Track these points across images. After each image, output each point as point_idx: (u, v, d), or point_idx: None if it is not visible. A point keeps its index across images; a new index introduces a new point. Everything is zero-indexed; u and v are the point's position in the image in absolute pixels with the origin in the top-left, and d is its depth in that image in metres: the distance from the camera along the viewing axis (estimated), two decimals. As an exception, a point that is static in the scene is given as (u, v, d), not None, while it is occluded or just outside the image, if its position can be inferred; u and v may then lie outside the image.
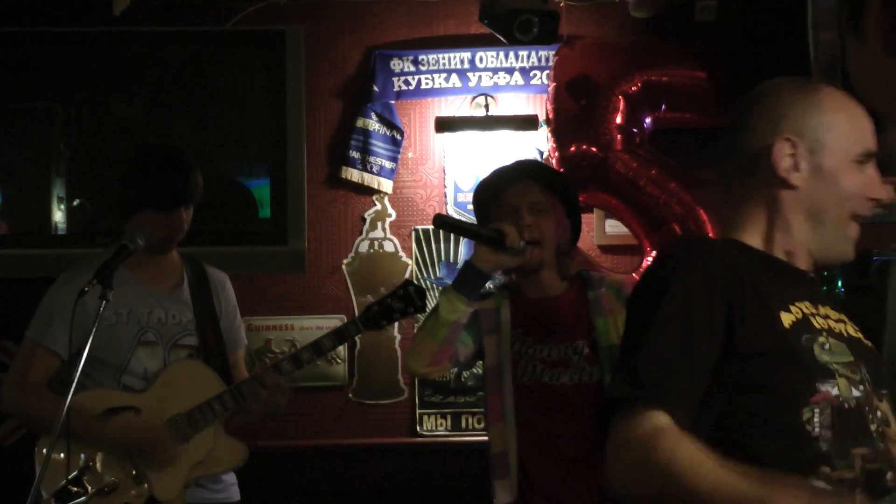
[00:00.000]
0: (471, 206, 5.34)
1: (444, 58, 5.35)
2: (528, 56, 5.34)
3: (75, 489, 3.69)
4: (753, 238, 2.25)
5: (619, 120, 5.09)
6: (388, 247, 5.37)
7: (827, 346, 2.10)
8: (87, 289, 3.37)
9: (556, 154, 5.10)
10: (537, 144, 5.28)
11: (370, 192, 5.36)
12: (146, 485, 3.77)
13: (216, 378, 3.83)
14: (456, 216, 5.28)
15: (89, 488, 3.70)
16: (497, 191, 3.55)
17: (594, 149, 5.07)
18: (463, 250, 5.29)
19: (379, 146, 5.29)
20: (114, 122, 5.30)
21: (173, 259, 3.96)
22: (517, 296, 3.56)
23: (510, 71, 5.34)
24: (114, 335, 3.77)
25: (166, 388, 3.80)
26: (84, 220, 5.24)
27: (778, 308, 2.11)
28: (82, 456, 3.71)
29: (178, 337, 3.88)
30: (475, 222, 3.40)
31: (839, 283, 5.25)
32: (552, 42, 4.96)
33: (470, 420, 5.29)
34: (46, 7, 5.26)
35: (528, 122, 5.21)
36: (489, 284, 3.54)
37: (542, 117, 5.25)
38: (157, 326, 3.84)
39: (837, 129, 2.22)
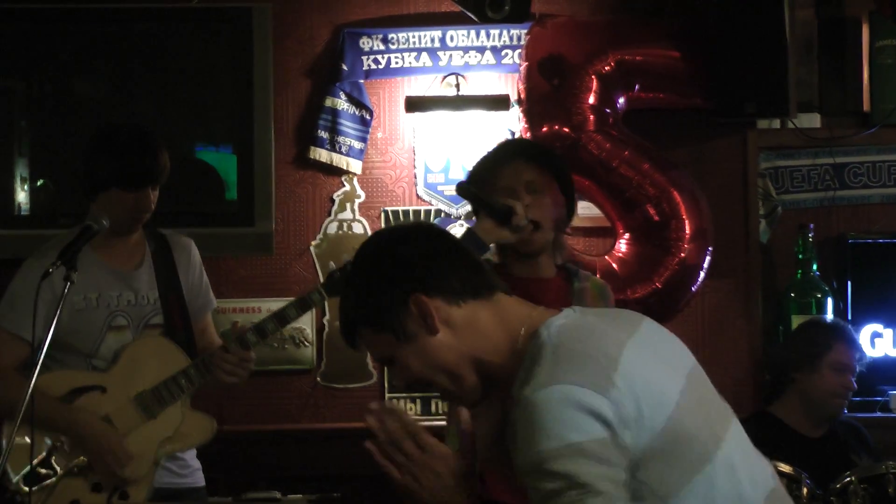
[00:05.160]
0: (441, 188, 5.34)
1: (414, 36, 5.27)
2: (500, 35, 5.27)
3: (44, 471, 3.67)
4: None
5: (591, 100, 5.05)
6: (357, 228, 5.30)
7: None
8: (51, 270, 3.33)
9: (528, 135, 5.05)
10: (509, 125, 5.22)
11: (339, 172, 5.28)
12: None
13: (181, 353, 3.82)
14: (426, 198, 5.24)
15: (58, 469, 3.69)
16: (490, 173, 3.53)
17: (566, 129, 5.02)
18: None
19: (348, 126, 5.22)
20: (77, 100, 5.22)
21: (136, 237, 3.92)
22: (502, 273, 3.52)
23: (481, 50, 5.28)
24: (83, 320, 3.74)
25: (131, 365, 3.78)
26: (47, 201, 5.17)
27: None
28: (47, 439, 3.67)
29: (148, 317, 3.86)
30: (456, 202, 3.40)
31: (815, 267, 5.22)
32: (524, 20, 4.92)
33: (439, 404, 5.24)
34: (6, -18, 5.16)
35: (499, 102, 5.15)
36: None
37: (513, 97, 5.19)
38: (127, 309, 3.82)
39: None
